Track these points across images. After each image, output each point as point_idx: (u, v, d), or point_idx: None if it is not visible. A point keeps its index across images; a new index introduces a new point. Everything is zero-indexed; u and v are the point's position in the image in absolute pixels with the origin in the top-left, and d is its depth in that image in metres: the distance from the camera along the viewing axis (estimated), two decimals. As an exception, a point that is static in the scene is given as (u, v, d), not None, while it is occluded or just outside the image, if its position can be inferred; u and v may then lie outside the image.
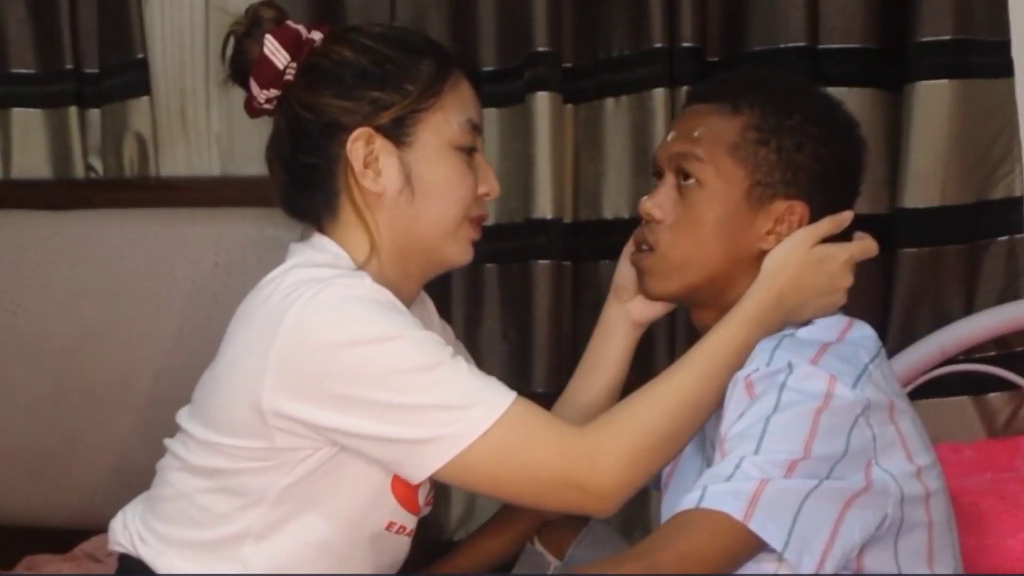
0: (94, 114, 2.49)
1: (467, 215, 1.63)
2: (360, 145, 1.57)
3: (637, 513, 2.34)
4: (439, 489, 2.40)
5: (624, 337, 1.76)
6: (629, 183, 2.31)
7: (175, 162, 2.52)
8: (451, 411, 1.47)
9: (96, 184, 2.49)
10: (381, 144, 1.58)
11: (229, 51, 1.64)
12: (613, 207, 2.34)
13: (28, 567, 2.25)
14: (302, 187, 1.63)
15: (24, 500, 2.34)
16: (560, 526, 1.91)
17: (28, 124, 2.50)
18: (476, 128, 1.64)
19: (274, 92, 1.60)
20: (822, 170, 1.59)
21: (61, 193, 2.45)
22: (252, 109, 1.64)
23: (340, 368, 1.47)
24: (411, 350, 1.48)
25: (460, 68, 1.64)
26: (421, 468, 1.49)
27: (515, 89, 2.33)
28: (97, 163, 2.50)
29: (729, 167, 1.58)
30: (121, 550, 1.66)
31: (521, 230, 2.34)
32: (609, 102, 2.34)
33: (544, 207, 2.30)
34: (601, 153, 2.35)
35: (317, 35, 1.61)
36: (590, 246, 2.36)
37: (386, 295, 1.53)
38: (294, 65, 1.59)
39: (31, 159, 2.51)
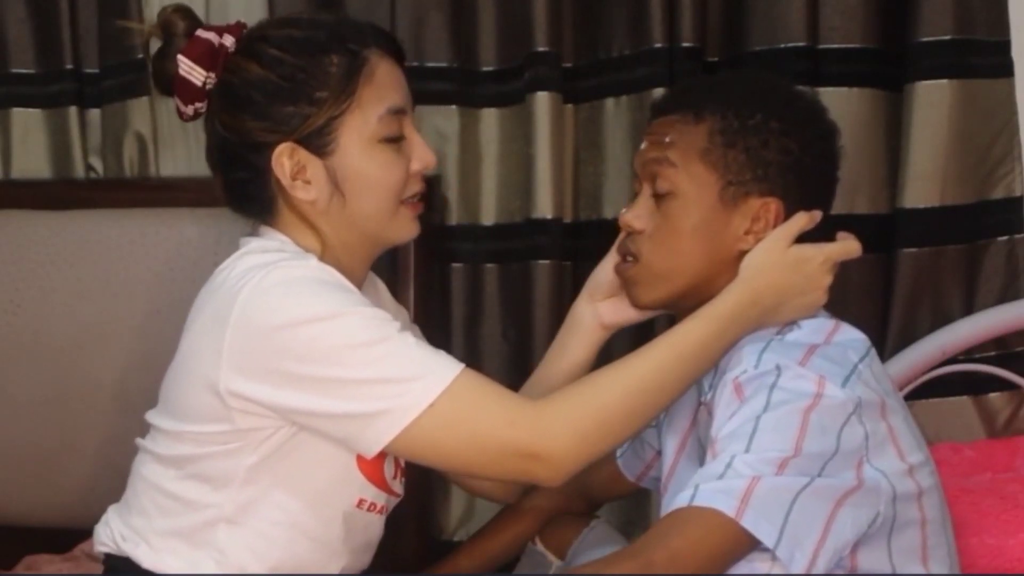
0: (94, 114, 2.49)
1: (400, 199, 1.63)
2: (284, 160, 1.58)
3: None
4: (439, 490, 2.42)
5: (588, 335, 1.75)
6: (629, 183, 2.29)
7: (175, 162, 2.52)
8: (398, 384, 1.48)
9: (96, 184, 2.50)
10: (305, 155, 1.58)
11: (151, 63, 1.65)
12: (613, 207, 2.33)
13: (28, 567, 2.25)
14: (240, 198, 1.65)
15: (24, 500, 2.34)
16: (562, 526, 1.91)
17: (28, 124, 2.51)
18: (400, 112, 1.61)
19: (200, 105, 1.62)
20: (792, 162, 1.59)
21: (61, 193, 2.45)
22: (184, 117, 1.65)
23: (289, 348, 1.49)
24: (356, 326, 1.50)
25: (377, 47, 1.61)
26: (373, 442, 1.50)
27: (515, 89, 2.33)
28: (97, 163, 2.51)
29: (701, 172, 1.59)
30: (105, 550, 1.68)
31: (521, 230, 2.35)
32: (609, 102, 2.34)
33: (544, 207, 2.30)
34: (601, 153, 2.35)
35: (229, 40, 1.60)
36: (590, 246, 2.35)
37: (333, 274, 1.56)
38: (212, 76, 1.60)
39: (31, 159, 2.51)
